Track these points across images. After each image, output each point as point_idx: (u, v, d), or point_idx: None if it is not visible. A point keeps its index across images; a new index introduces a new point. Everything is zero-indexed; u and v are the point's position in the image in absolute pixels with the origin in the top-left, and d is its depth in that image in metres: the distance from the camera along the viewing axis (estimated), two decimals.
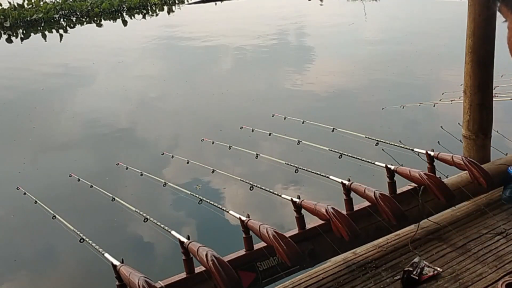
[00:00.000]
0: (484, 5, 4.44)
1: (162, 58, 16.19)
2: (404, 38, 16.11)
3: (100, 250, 3.11)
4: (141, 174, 5.03)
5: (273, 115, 5.88)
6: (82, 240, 3.29)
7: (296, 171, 3.98)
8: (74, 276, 5.37)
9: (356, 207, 3.65)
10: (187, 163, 5.12)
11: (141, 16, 25.07)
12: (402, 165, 3.82)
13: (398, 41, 15.83)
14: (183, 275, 3.12)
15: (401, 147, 4.08)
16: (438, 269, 3.39)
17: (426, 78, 11.50)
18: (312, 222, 3.48)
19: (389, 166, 3.76)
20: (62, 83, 13.41)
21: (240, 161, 6.72)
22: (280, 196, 3.54)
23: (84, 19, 24.33)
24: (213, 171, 4.55)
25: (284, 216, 5.32)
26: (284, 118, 5.62)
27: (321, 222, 3.41)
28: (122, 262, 2.99)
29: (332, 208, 3.31)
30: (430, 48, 14.15)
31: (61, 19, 24.37)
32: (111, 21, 24.23)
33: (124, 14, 25.46)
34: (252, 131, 5.43)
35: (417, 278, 3.28)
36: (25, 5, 24.42)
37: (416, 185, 3.80)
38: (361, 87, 11.25)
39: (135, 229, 5.91)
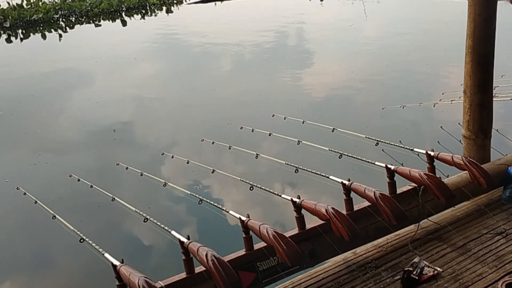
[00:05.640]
0: (484, 5, 4.45)
1: (162, 58, 16.18)
2: (404, 38, 16.11)
3: (100, 250, 3.11)
4: (141, 174, 5.03)
5: (273, 115, 5.88)
6: (82, 240, 3.29)
7: (296, 171, 3.98)
8: (74, 276, 5.36)
9: (356, 207, 3.65)
10: (187, 163, 5.12)
11: (140, 16, 25.07)
12: (402, 165, 3.82)
13: (398, 41, 15.83)
14: (183, 275, 3.12)
15: (401, 147, 4.08)
16: (438, 269, 3.39)
17: (426, 78, 11.50)
18: (312, 222, 3.49)
19: (389, 166, 3.76)
20: (61, 83, 13.40)
21: (240, 161, 6.72)
22: (280, 196, 3.54)
23: (83, 19, 24.33)
24: (213, 171, 4.55)
25: (284, 216, 5.31)
26: (284, 118, 5.62)
27: (321, 222, 3.41)
28: (122, 262, 2.99)
29: (332, 208, 3.31)
30: (431, 47, 14.16)
31: (61, 19, 24.37)
32: (110, 21, 24.22)
33: (123, 14, 25.45)
34: (252, 131, 5.43)
35: (417, 278, 3.28)
36: (24, 5, 24.41)
37: (416, 185, 3.80)
38: (361, 87, 11.25)
39: (135, 229, 5.91)
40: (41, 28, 22.55)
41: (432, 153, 3.92)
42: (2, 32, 21.84)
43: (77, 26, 23.34)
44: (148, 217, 3.44)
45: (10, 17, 22.82)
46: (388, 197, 3.50)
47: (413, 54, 13.86)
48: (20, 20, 23.04)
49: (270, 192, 3.66)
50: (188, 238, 3.08)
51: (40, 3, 24.79)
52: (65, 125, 10.15)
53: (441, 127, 5.23)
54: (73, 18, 24.71)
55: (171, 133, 9.36)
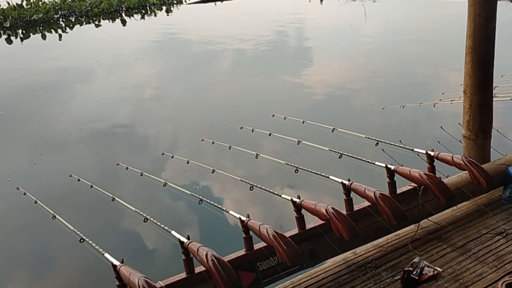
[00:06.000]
0: (484, 5, 4.45)
1: (162, 58, 16.19)
2: (404, 38, 16.11)
3: (100, 250, 3.11)
4: (141, 174, 5.03)
5: (273, 115, 5.88)
6: (82, 240, 3.29)
7: (296, 171, 3.98)
8: (74, 276, 5.36)
9: (356, 207, 3.65)
10: (187, 163, 5.12)
11: (139, 16, 25.08)
12: (402, 165, 3.82)
13: (399, 42, 15.83)
14: (183, 275, 3.11)
15: (401, 147, 4.08)
16: (438, 269, 3.39)
17: (426, 78, 11.50)
18: (312, 222, 3.48)
19: (389, 166, 3.76)
20: (62, 83, 13.41)
21: (240, 161, 6.72)
22: (280, 196, 3.54)
23: (83, 19, 24.34)
24: (213, 171, 4.55)
25: (284, 216, 5.31)
26: (284, 118, 5.62)
27: (321, 222, 3.41)
28: (122, 262, 2.99)
29: (332, 208, 3.31)
30: (431, 48, 14.16)
31: (60, 19, 24.39)
32: (110, 21, 24.23)
33: (123, 14, 25.47)
34: (252, 131, 5.43)
35: (417, 278, 3.28)
36: (24, 5, 24.43)
37: (416, 185, 3.80)
38: (361, 87, 11.25)
39: (135, 229, 5.91)
40: (41, 28, 22.56)
41: (432, 153, 3.92)
42: (2, 32, 21.85)
43: (77, 26, 23.35)
44: (148, 217, 3.44)
45: (10, 17, 22.83)
46: (388, 197, 3.50)
47: (413, 54, 13.86)
48: (20, 20, 23.05)
49: (270, 192, 3.66)
50: (188, 238, 3.08)
51: (40, 3, 24.80)
52: (65, 125, 10.14)
53: (441, 127, 5.24)
54: (73, 18, 24.73)
55: (171, 133, 9.36)
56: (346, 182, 3.59)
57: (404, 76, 11.98)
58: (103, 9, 25.36)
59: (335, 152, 4.14)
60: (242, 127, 5.74)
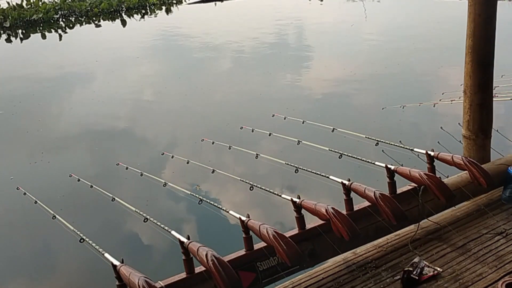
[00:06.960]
0: (484, 5, 4.45)
1: (162, 58, 16.19)
2: (404, 38, 16.11)
3: (100, 250, 3.11)
4: (141, 174, 5.02)
5: (273, 115, 5.88)
6: (82, 240, 3.29)
7: (296, 171, 3.98)
8: (74, 276, 5.36)
9: (356, 207, 3.65)
10: (187, 163, 5.11)
11: (139, 16, 25.07)
12: (402, 165, 3.82)
13: (399, 42, 15.83)
14: (183, 275, 3.12)
15: (401, 147, 4.08)
16: (438, 269, 3.39)
17: (426, 78, 11.50)
18: (312, 222, 3.49)
19: (389, 166, 3.76)
20: (62, 82, 13.41)
21: (240, 161, 6.72)
22: (280, 196, 3.54)
23: (83, 19, 24.35)
24: (213, 171, 4.54)
25: (284, 216, 5.31)
26: (284, 118, 5.62)
27: (321, 222, 3.41)
28: (122, 262, 2.99)
29: (332, 208, 3.31)
30: (431, 48, 14.16)
31: (60, 19, 24.39)
32: (110, 21, 24.23)
33: (123, 14, 25.47)
34: (252, 131, 5.43)
35: (417, 278, 3.28)
36: (24, 5, 24.44)
37: (416, 185, 3.80)
38: (361, 87, 11.25)
39: (135, 229, 5.91)
40: (41, 28, 22.55)
41: (432, 153, 3.92)
42: (2, 32, 21.85)
43: (77, 26, 23.34)
44: (148, 217, 3.44)
45: (10, 17, 22.83)
46: (388, 197, 3.50)
47: (413, 54, 13.85)
48: (20, 20, 23.05)
49: (270, 192, 3.66)
50: (188, 238, 3.08)
51: (40, 3, 24.80)
52: (65, 125, 10.14)
53: (441, 127, 5.23)
54: (73, 18, 24.73)
55: (171, 133, 9.36)
56: (346, 182, 3.59)
57: (404, 76, 11.98)
58: (103, 9, 25.35)
59: (335, 152, 4.14)
60: (242, 127, 5.73)
